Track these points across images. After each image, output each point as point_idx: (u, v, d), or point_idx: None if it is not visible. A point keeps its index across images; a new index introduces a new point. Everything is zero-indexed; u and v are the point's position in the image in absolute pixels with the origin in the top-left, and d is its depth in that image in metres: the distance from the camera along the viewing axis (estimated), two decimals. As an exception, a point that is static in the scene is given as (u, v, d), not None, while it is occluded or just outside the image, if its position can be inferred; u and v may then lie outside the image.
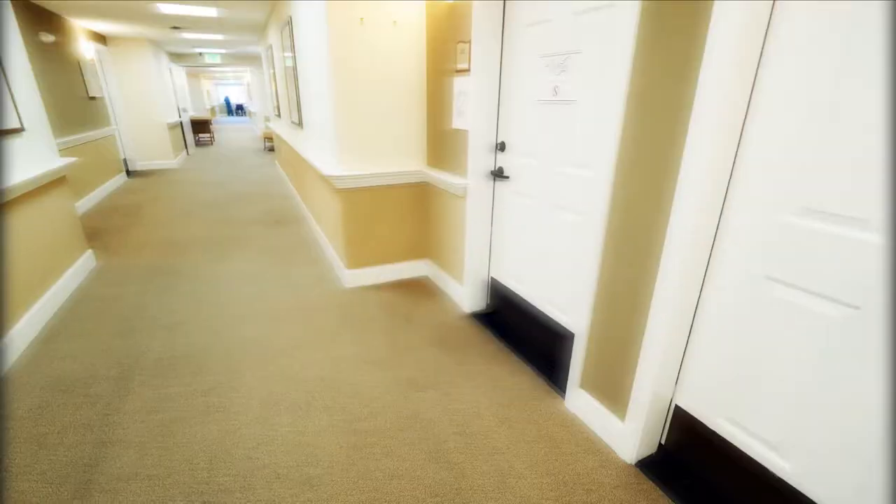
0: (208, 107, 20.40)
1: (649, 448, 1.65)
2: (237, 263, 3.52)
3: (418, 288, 3.09)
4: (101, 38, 6.92)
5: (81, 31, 6.04)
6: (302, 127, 4.00)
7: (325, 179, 2.91)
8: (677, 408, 1.58)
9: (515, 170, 2.26)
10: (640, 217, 1.45)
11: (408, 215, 3.06)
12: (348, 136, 2.70)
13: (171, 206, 5.38)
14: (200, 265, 3.48)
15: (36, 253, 2.58)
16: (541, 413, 1.88)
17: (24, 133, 2.61)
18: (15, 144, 2.50)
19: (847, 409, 1.10)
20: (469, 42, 2.25)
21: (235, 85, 26.70)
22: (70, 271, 2.99)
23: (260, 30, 6.72)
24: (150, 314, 2.68)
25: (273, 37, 5.37)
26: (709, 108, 1.18)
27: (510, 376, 2.12)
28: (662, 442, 1.67)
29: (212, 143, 11.90)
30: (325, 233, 3.66)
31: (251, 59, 11.62)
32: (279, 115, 6.14)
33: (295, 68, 3.85)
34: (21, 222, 2.43)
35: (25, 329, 2.32)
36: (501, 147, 2.33)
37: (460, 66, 2.37)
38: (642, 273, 1.47)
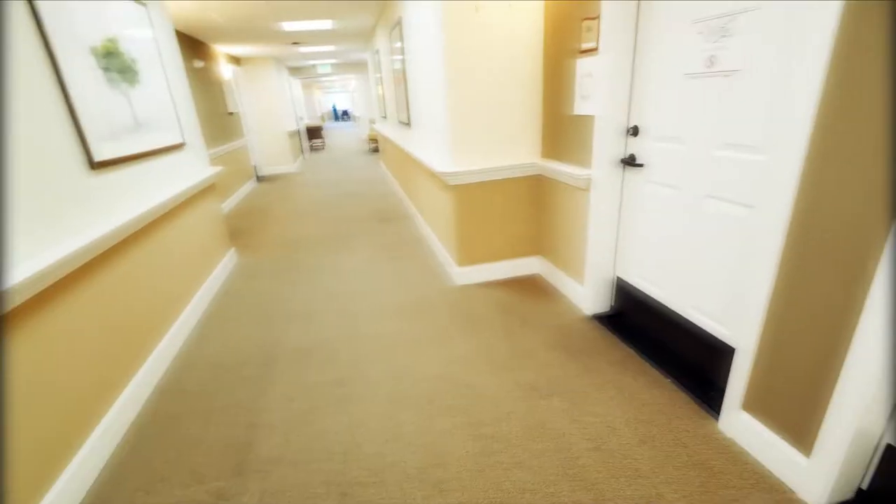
0: (319, 114, 22.31)
1: (845, 492, 1.33)
2: (353, 259, 3.71)
3: (531, 286, 2.95)
4: (236, 60, 7.87)
5: (222, 56, 6.91)
6: (410, 126, 4.08)
7: (437, 176, 2.91)
8: (890, 448, 1.25)
9: (652, 156, 2.01)
10: (844, 215, 1.15)
11: (520, 210, 2.94)
12: (461, 130, 2.65)
13: (293, 206, 5.91)
14: (322, 260, 3.74)
15: (196, 249, 2.96)
16: (689, 434, 1.63)
17: (185, 147, 3.00)
18: (179, 157, 2.89)
19: None
20: (597, 17, 2.04)
21: (341, 92, 28.82)
22: (220, 266, 3.39)
23: (367, 36, 7.06)
24: (284, 307, 2.92)
25: (381, 40, 5.59)
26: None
27: (646, 389, 1.89)
28: (864, 487, 1.34)
29: (323, 148, 12.94)
30: (434, 230, 3.69)
31: (357, 67, 12.37)
32: (385, 117, 6.40)
33: (404, 68, 3.93)
34: (185, 223, 2.80)
35: (189, 317, 2.67)
36: (634, 132, 2.08)
37: (586, 45, 2.17)
38: (845, 284, 1.17)
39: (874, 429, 1.24)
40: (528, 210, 2.95)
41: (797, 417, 1.37)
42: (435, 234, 3.67)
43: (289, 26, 5.38)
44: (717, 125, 1.64)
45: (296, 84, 11.88)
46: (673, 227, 1.94)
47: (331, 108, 30.00)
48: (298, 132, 10.37)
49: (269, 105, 8.48)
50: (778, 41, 1.37)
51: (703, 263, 1.81)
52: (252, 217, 5.48)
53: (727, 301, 1.72)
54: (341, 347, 2.38)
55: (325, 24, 5.57)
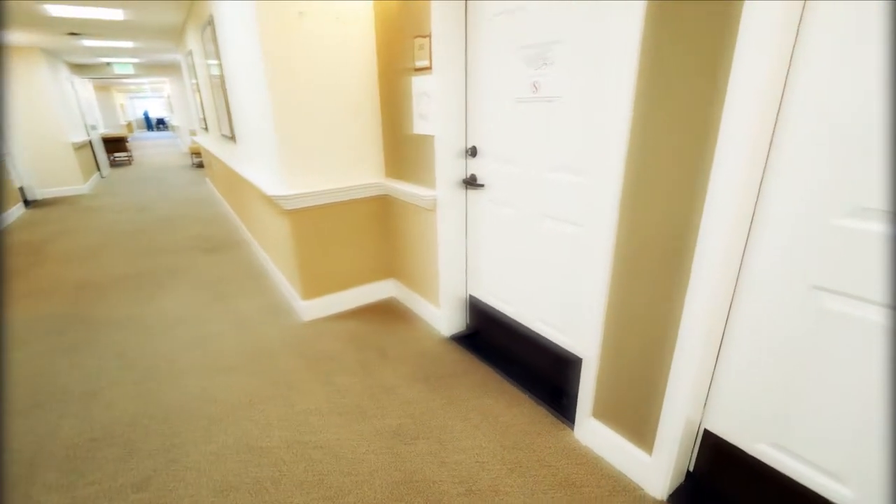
0: (123, 122, 18.56)
1: (678, 478, 1.48)
2: (169, 302, 3.02)
3: (386, 312, 2.78)
4: (-22, 49, 5.92)
5: (-50, 41, 5.09)
6: (235, 141, 3.54)
7: (270, 200, 2.53)
8: (707, 432, 1.42)
9: (491, 177, 2.03)
10: (660, 228, 1.26)
11: (368, 233, 2.75)
12: (292, 149, 2.34)
13: (84, 238, 4.65)
14: (123, 309, 2.94)
15: None
16: (551, 451, 1.65)
17: None
18: None
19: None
20: (429, 36, 1.99)
21: (154, 97, 24.61)
22: (-55, 337, 2.38)
23: (177, 34, 6.05)
24: (61, 382, 2.17)
25: (193, 41, 4.81)
26: (743, 109, 1.00)
27: (507, 409, 1.88)
28: (691, 469, 1.51)
29: (130, 163, 10.73)
30: (274, 259, 3.24)
31: (171, 69, 10.62)
32: (206, 129, 5.54)
33: (221, 74, 3.39)
34: None
35: None
36: (472, 152, 2.09)
37: (419, 63, 2.11)
38: (666, 291, 1.28)
39: (695, 416, 1.39)
40: (377, 232, 2.78)
41: (638, 417, 1.48)
42: (275, 263, 3.23)
43: (56, 10, 4.22)
44: (546, 149, 1.71)
45: (83, 85, 9.59)
46: (515, 245, 1.99)
47: (142, 116, 25.34)
48: (91, 143, 8.36)
49: (40, 110, 6.60)
50: (586, 71, 1.47)
51: (544, 278, 1.88)
52: (18, 256, 4.11)
53: (568, 313, 1.81)
54: (148, 428, 1.83)
55: (112, 14, 4.54)
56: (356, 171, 2.60)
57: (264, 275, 3.44)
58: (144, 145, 15.92)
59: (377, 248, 2.82)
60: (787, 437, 1.21)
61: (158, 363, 2.30)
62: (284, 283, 3.01)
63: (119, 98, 19.99)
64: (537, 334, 2.01)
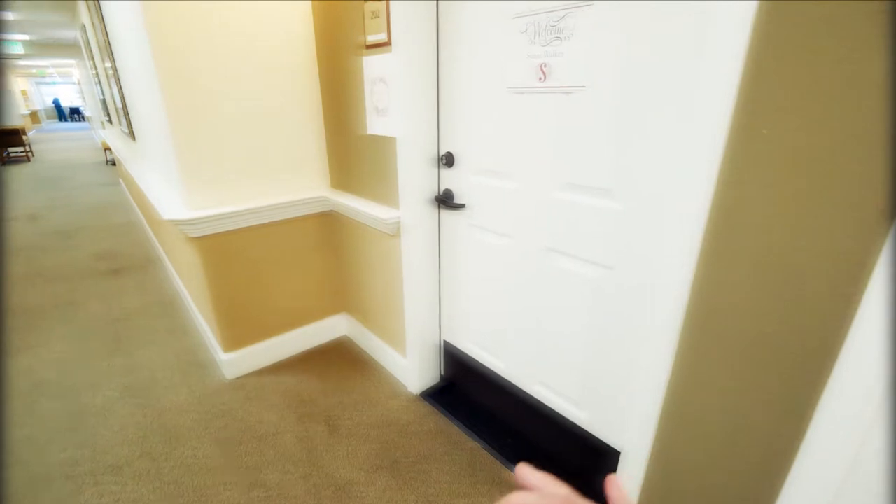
0: (26, 112, 16.20)
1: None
2: (44, 356, 2.26)
3: (338, 358, 2.21)
4: None
5: None
6: (134, 139, 2.78)
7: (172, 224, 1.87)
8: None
9: (474, 194, 1.51)
10: (781, 292, 0.79)
11: (310, 259, 2.15)
12: (195, 156, 1.70)
13: (-58, 261, 3.65)
14: (-29, 371, 2.16)
15: None
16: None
17: None
18: None
19: None
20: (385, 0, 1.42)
21: (65, 83, 21.86)
22: None
23: (69, 5, 4.99)
24: None
25: (84, 12, 3.89)
26: None
27: (506, 508, 1.38)
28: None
29: (28, 160, 9.20)
30: (189, 291, 2.55)
31: (73, 49, 9.16)
32: (110, 121, 4.60)
33: (110, 52, 2.62)
34: None
35: None
36: (448, 160, 1.56)
37: (372, 37, 1.54)
38: (776, 393, 0.83)
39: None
40: (322, 258, 2.19)
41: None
42: (191, 296, 2.54)
43: None
44: (557, 159, 1.21)
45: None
46: (507, 284, 1.49)
47: (52, 104, 22.41)
48: (-29, 138, 6.97)
49: None
50: (635, 49, 0.98)
51: (551, 333, 1.40)
52: None
53: (589, 384, 1.34)
54: None
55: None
56: (291, 182, 1.99)
57: (181, 307, 2.73)
58: (52, 138, 13.97)
59: (323, 278, 2.23)
60: None
61: (9, 468, 1.60)
62: (203, 323, 2.34)
63: (21, 83, 17.47)
64: (538, 401, 1.53)
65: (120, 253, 3.71)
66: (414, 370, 1.90)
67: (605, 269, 1.18)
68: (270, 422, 1.79)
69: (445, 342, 1.90)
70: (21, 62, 11.51)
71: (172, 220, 1.68)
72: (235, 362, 2.04)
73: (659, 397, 1.01)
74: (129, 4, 1.57)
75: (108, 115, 4.49)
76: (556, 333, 1.38)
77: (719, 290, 0.86)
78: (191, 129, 1.65)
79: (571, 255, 1.26)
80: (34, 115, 18.45)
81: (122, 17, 1.88)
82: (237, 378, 2.05)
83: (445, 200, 1.59)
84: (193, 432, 1.74)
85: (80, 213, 5.03)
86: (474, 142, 1.45)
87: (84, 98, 15.07)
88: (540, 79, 1.19)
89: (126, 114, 2.75)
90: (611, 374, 1.26)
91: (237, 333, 2.02)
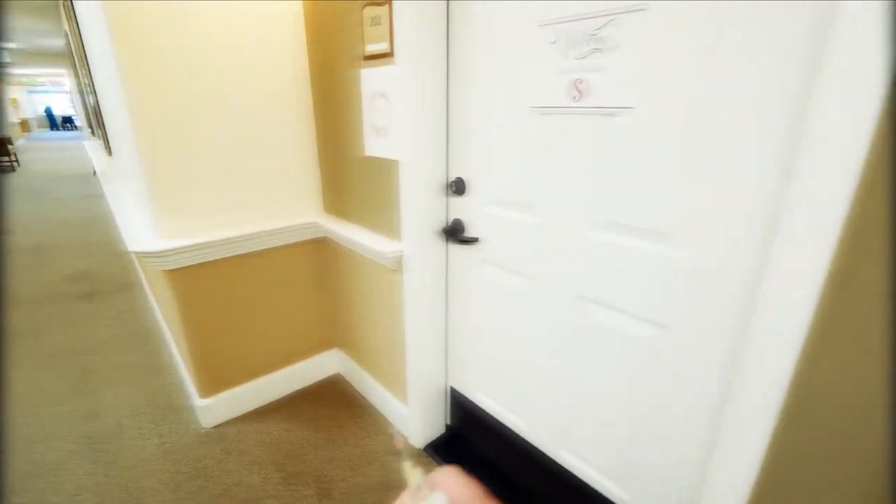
0: (17, 119, 15.90)
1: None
2: (-4, 399, 2.01)
3: (329, 400, 1.97)
4: None
5: None
6: (110, 153, 2.57)
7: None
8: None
9: (489, 227, 1.31)
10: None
11: (300, 290, 1.93)
12: (167, 178, 1.48)
13: None
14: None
15: None
16: None
17: None
18: None
19: None
20: (387, 3, 1.23)
21: (57, 92, 21.61)
22: None
23: (53, 10, 4.80)
24: None
25: (65, 20, 3.69)
26: None
27: None
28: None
29: (13, 169, 8.92)
30: (167, 322, 2.32)
31: (63, 58, 8.96)
32: (93, 133, 4.38)
33: (87, 60, 2.42)
34: None
35: None
36: (458, 188, 1.35)
37: (372, 47, 1.34)
38: None
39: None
40: (312, 288, 1.96)
41: None
42: (168, 328, 2.30)
43: None
44: (593, 192, 1.01)
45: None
46: (528, 333, 1.28)
47: (44, 113, 22.08)
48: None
49: None
50: (704, 62, 0.79)
51: (583, 395, 1.18)
52: None
53: (633, 459, 1.12)
54: None
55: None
56: (279, 206, 1.78)
57: (158, 340, 2.48)
58: (42, 147, 13.69)
59: (314, 311, 2.00)
60: None
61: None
62: (181, 362, 2.10)
63: (12, 91, 17.19)
64: (564, 470, 1.31)
65: (96, 275, 3.46)
66: (416, 420, 1.68)
67: (656, 328, 0.98)
68: (252, 485, 1.55)
69: (453, 389, 1.68)
70: (11, 70, 11.27)
71: (140, 253, 1.46)
72: (214, 408, 1.80)
73: (742, 496, 0.79)
74: (93, 4, 1.37)
75: (91, 126, 4.27)
76: (590, 397, 1.17)
77: (838, 383, 0.66)
78: (161, 148, 1.44)
79: (609, 306, 1.05)
80: (24, 124, 18.12)
81: (89, 19, 1.68)
82: (215, 427, 1.81)
83: (455, 233, 1.38)
84: (160, 497, 1.50)
85: (58, 228, 4.77)
86: (490, 167, 1.25)
87: (75, 107, 14.86)
88: (574, 97, 0.99)
89: (102, 126, 2.54)
90: (661, 451, 1.05)
91: (217, 375, 1.78)
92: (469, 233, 1.37)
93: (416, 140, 1.30)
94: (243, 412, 1.89)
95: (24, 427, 1.82)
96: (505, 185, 1.22)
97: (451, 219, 1.42)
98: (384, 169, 1.46)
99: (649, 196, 0.92)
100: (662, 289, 0.94)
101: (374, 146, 1.47)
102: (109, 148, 2.54)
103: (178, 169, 1.49)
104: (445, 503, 0.23)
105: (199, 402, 1.79)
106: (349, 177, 1.68)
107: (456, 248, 1.45)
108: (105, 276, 3.43)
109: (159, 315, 2.58)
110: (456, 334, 1.57)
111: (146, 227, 1.58)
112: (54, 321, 2.71)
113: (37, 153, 11.93)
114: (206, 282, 1.64)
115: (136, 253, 1.49)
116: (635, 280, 0.98)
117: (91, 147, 4.96)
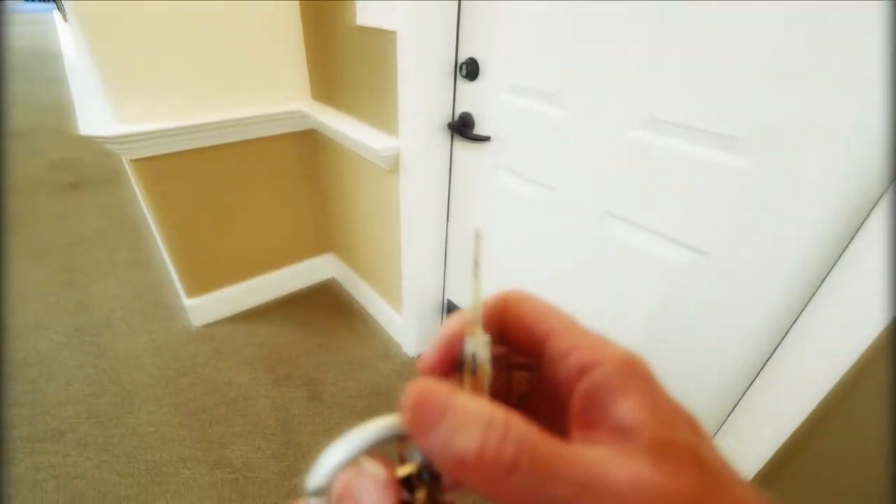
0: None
1: None
2: (-17, 286, 1.96)
3: (322, 305, 1.91)
4: None
5: None
6: (66, 19, 2.21)
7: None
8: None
9: (506, 122, 1.09)
10: None
11: (287, 188, 1.76)
12: (125, 52, 1.23)
13: None
14: None
15: None
16: None
17: None
18: None
19: None
20: None
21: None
22: None
23: None
24: None
25: None
26: None
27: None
28: None
29: (-12, 43, 8.19)
30: (150, 219, 2.18)
31: None
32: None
33: None
34: None
35: None
36: (469, 70, 1.10)
37: None
38: None
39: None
40: (303, 187, 1.79)
41: None
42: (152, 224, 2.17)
43: None
44: (643, 83, 0.78)
45: None
46: (542, 252, 1.13)
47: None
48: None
49: None
50: None
51: (600, 327, 1.07)
52: None
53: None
54: None
55: None
56: (259, 91, 1.52)
57: (146, 234, 2.38)
58: (19, 21, 12.48)
59: (305, 212, 1.85)
60: None
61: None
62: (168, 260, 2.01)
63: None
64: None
65: (82, 162, 3.26)
66: (410, 329, 1.62)
67: (695, 255, 0.81)
68: (242, 384, 1.53)
69: (450, 301, 1.59)
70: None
71: (94, 137, 1.26)
72: (203, 308, 1.74)
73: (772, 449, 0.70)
74: None
75: (54, -11, 3.73)
76: (605, 329, 1.05)
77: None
78: (113, 13, 1.16)
79: (642, 226, 0.88)
80: (-5, -9, 16.38)
81: None
82: (205, 326, 1.77)
83: (462, 129, 1.16)
84: (151, 392, 1.49)
85: (41, 112, 4.45)
86: (511, 45, 0.99)
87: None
88: (638, -65, 0.71)
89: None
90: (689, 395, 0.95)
91: (203, 275, 1.69)
92: (480, 130, 1.15)
93: (419, 3, 1.02)
94: (234, 313, 1.83)
95: (15, 316, 1.78)
96: (529, 69, 0.97)
97: (459, 111, 1.19)
98: (379, 43, 1.18)
99: (715, 88, 0.69)
100: (710, 207, 0.76)
101: (366, 13, 1.18)
102: (63, 11, 2.18)
103: (137, 39, 1.22)
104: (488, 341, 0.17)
105: (187, 301, 1.72)
106: (339, 55, 1.40)
107: (463, 149, 1.23)
108: (91, 163, 3.24)
109: (145, 209, 2.45)
110: (457, 247, 1.43)
111: (104, 109, 1.35)
112: (41, 211, 2.59)
113: (13, 27, 10.91)
114: (179, 175, 1.45)
115: (90, 137, 1.28)
116: (678, 194, 0.80)
117: (59, 21, 4.43)
